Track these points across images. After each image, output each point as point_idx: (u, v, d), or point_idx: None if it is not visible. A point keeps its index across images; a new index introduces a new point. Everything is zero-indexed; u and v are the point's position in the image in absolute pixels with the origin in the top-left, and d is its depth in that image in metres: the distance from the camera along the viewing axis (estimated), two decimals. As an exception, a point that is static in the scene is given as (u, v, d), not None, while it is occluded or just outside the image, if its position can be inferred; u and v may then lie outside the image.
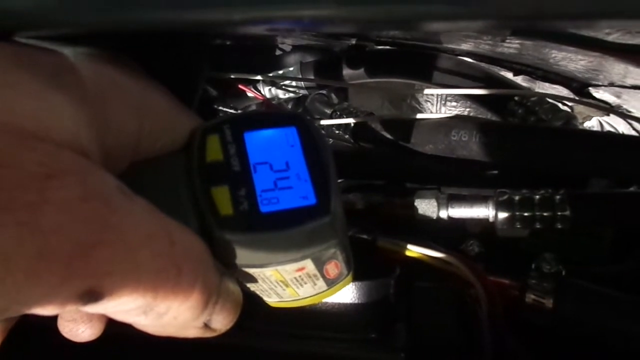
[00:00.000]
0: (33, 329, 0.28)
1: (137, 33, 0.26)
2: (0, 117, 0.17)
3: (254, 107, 0.93)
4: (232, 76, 0.83)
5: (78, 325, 0.24)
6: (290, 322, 0.36)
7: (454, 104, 1.03)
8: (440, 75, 0.71)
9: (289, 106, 0.94)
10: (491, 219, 0.46)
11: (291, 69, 0.87)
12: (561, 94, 0.68)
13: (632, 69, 0.52)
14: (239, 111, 0.86)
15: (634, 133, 0.69)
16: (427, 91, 0.82)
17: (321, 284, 0.27)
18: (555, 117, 0.62)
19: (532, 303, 0.40)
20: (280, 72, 0.88)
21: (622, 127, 0.67)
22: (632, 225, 0.46)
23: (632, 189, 0.50)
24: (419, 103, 1.08)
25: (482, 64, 0.72)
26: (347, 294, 0.36)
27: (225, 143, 0.25)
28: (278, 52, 0.95)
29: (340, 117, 0.73)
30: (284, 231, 0.23)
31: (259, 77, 0.86)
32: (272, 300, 0.29)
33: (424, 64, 0.73)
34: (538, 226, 0.45)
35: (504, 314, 0.38)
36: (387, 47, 0.78)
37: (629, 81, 0.57)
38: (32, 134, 0.18)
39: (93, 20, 0.21)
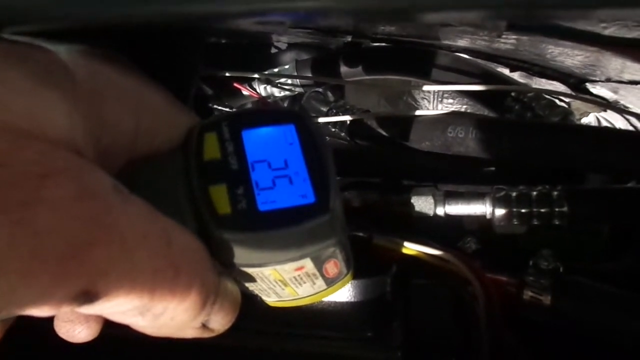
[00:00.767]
0: (30, 330, 0.27)
1: (129, 30, 0.25)
2: None
3: (249, 106, 0.92)
4: (227, 74, 0.83)
5: (75, 326, 0.24)
6: (286, 321, 0.35)
7: (450, 101, 1.03)
8: (436, 72, 0.71)
9: (285, 104, 0.93)
10: (488, 216, 0.46)
11: (287, 66, 0.87)
12: (558, 90, 0.68)
13: (629, 64, 0.52)
14: (235, 110, 0.86)
15: (631, 129, 0.69)
16: (423, 88, 0.82)
17: (320, 283, 0.27)
18: (552, 113, 0.62)
19: (530, 300, 0.40)
20: (276, 70, 0.88)
21: (619, 123, 0.67)
22: (629, 221, 0.46)
23: (630, 184, 0.51)
24: (415, 100, 1.08)
25: (479, 61, 0.72)
26: (344, 292, 0.36)
27: (223, 141, 0.25)
28: (273, 50, 0.94)
29: (336, 114, 0.73)
30: (282, 230, 0.23)
31: (254, 75, 0.85)
32: (271, 299, 0.29)
33: (420, 61, 0.73)
34: (535, 222, 0.45)
35: (501, 311, 0.38)
36: (383, 44, 0.78)
37: (626, 76, 0.57)
38: (26, 132, 0.17)
39: (83, 14, 0.20)
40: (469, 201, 0.47)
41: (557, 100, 0.65)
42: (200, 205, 0.23)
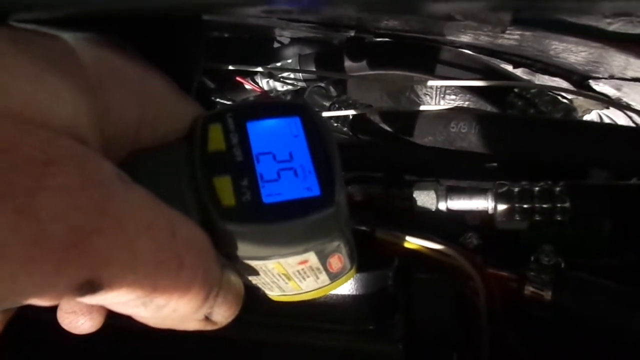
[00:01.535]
0: (32, 321, 0.27)
1: (132, 20, 0.25)
2: None
3: (252, 99, 0.92)
4: (230, 68, 0.83)
5: (78, 317, 0.24)
6: (288, 313, 0.36)
7: (453, 96, 1.03)
8: (439, 67, 0.71)
9: (287, 98, 0.93)
10: (490, 211, 0.46)
11: (289, 61, 0.87)
12: (561, 87, 0.68)
13: (632, 60, 0.51)
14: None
15: (633, 126, 0.68)
16: (426, 83, 0.81)
17: (324, 277, 0.27)
18: (554, 110, 0.62)
19: (531, 295, 0.40)
20: (279, 64, 0.88)
21: (621, 120, 0.67)
22: (631, 217, 0.46)
23: (632, 181, 0.50)
24: (417, 96, 1.08)
25: (482, 56, 0.71)
26: (346, 285, 0.36)
27: (228, 132, 0.25)
28: (276, 45, 0.94)
29: (338, 109, 0.73)
30: (287, 222, 0.23)
31: (257, 69, 0.85)
32: (274, 293, 0.29)
33: (423, 56, 0.73)
34: (537, 218, 0.45)
35: (502, 306, 0.38)
36: (386, 39, 0.77)
37: (630, 73, 0.57)
38: (30, 119, 0.17)
39: (89, 0, 0.20)
40: (471, 196, 0.47)
41: (559, 97, 0.65)
42: (204, 197, 0.23)
